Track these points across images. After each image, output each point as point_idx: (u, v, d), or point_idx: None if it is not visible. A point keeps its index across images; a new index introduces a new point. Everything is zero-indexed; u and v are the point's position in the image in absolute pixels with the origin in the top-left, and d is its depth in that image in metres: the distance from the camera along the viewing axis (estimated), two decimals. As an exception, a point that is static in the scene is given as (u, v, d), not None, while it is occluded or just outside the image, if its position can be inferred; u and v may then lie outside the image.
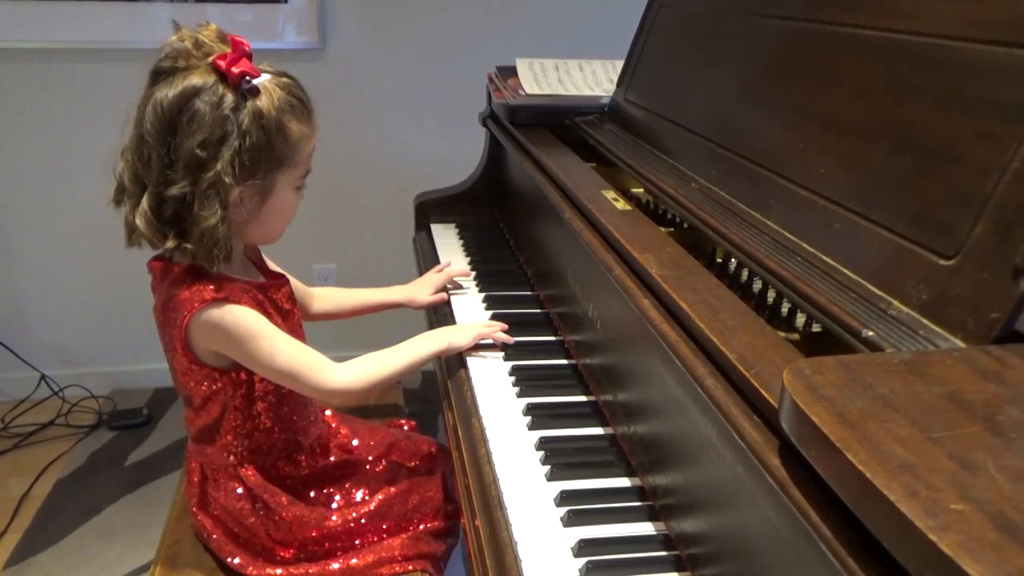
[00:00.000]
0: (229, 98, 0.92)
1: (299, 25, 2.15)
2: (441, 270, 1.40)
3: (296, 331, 1.09)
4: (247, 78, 0.93)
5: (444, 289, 1.37)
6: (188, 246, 0.94)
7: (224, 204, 0.93)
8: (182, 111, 0.91)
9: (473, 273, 1.45)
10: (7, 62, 2.07)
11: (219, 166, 0.91)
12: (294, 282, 1.26)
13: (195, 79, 0.92)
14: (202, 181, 0.92)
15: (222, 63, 0.92)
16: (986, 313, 0.59)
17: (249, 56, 0.95)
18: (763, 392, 0.60)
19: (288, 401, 1.09)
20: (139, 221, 0.94)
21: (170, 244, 0.95)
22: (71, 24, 2.05)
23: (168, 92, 0.92)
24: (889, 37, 0.80)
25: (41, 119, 2.13)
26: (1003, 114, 0.64)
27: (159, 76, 0.94)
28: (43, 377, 2.33)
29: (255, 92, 0.94)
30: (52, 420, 2.27)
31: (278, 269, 1.18)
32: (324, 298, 1.33)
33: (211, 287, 0.98)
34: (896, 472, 0.43)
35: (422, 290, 1.37)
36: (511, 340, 1.16)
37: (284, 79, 0.99)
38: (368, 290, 1.38)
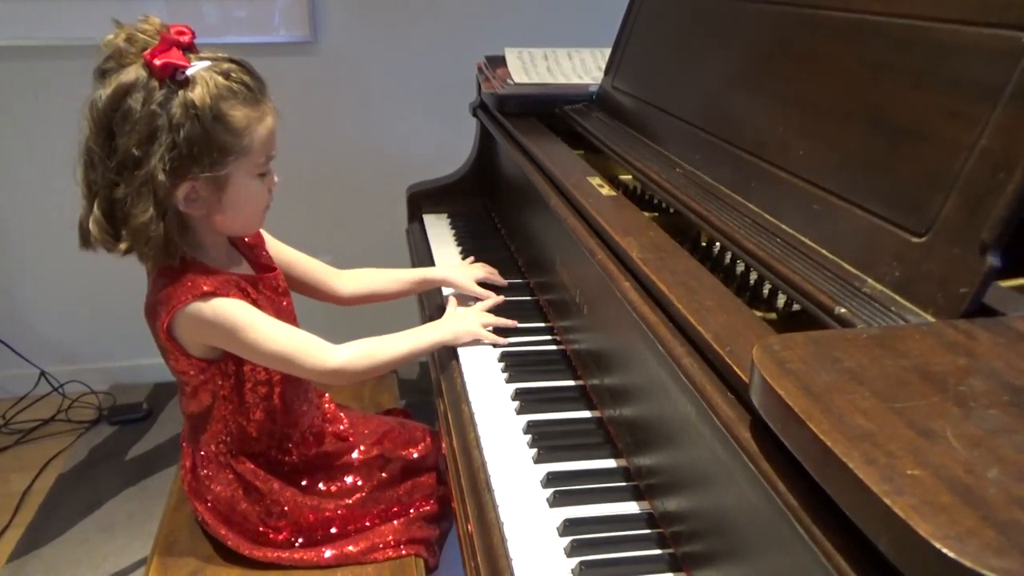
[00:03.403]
0: (159, 92, 0.90)
1: (290, 18, 2.16)
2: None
3: (289, 321, 1.10)
4: (179, 70, 0.91)
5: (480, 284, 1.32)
6: (136, 248, 0.94)
7: (158, 202, 0.92)
8: (115, 111, 0.90)
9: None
10: (4, 60, 2.07)
11: (152, 162, 0.90)
12: (315, 264, 1.25)
13: (126, 76, 0.91)
14: (135, 179, 0.91)
15: (148, 57, 0.90)
16: (955, 288, 0.60)
17: (183, 46, 0.92)
18: (736, 369, 0.61)
19: (279, 392, 1.10)
20: (93, 227, 0.95)
21: (123, 246, 0.95)
22: (62, 21, 2.05)
23: (102, 93, 0.91)
24: (864, 19, 0.80)
25: (38, 116, 2.13)
26: (971, 93, 0.64)
27: (101, 77, 0.93)
28: (43, 373, 2.35)
29: (188, 83, 0.91)
30: (53, 416, 2.29)
31: (292, 255, 1.19)
32: (355, 280, 1.29)
33: (197, 282, 0.97)
34: (856, 441, 0.45)
35: (465, 273, 1.32)
36: (505, 342, 1.17)
37: (225, 65, 0.95)
38: (402, 269, 1.34)
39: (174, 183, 0.92)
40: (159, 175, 0.90)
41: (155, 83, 0.90)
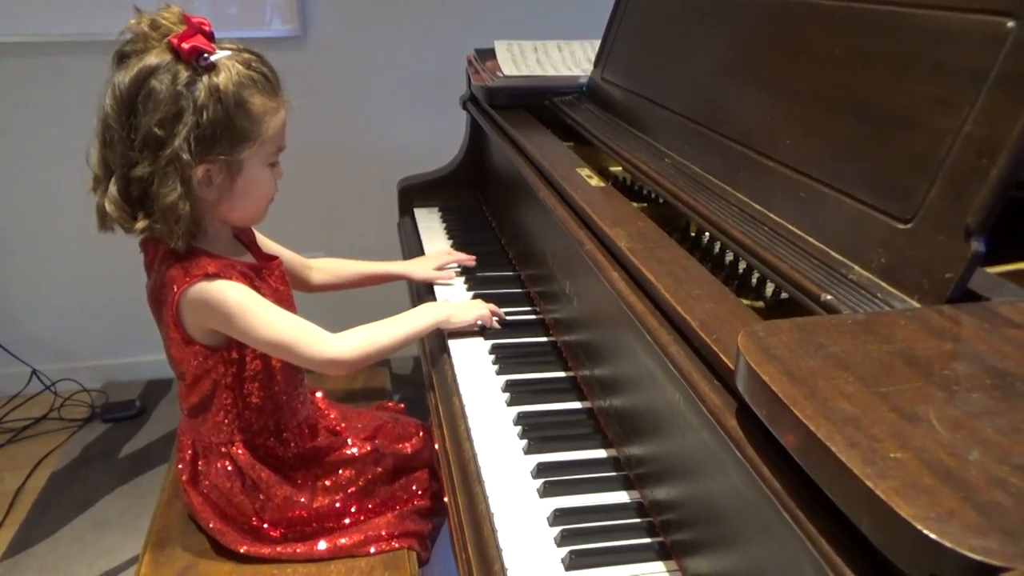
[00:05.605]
0: (184, 75, 0.92)
1: (280, 13, 2.15)
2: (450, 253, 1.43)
3: (289, 311, 1.10)
4: (203, 55, 0.93)
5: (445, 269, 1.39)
6: (157, 226, 0.96)
7: (184, 180, 0.94)
8: (139, 91, 0.92)
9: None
10: (-4, 57, 2.07)
11: (176, 142, 0.92)
12: (290, 255, 1.28)
13: (151, 59, 0.93)
14: (161, 159, 0.93)
15: (176, 41, 0.93)
16: (940, 274, 0.61)
17: (207, 35, 0.95)
18: (722, 356, 0.62)
19: (279, 379, 1.10)
20: (108, 206, 0.96)
21: (140, 225, 0.96)
22: (60, 17, 2.04)
23: (125, 75, 0.93)
24: (850, 7, 0.80)
25: (30, 114, 2.12)
26: (956, 79, 0.65)
27: (121, 60, 0.95)
28: (34, 372, 2.34)
29: (212, 68, 0.94)
30: (45, 414, 2.28)
31: (275, 248, 1.19)
32: (324, 270, 1.35)
33: (202, 264, 0.99)
34: (839, 425, 0.45)
35: (423, 265, 1.39)
36: (502, 321, 1.18)
37: (246, 55, 0.99)
38: (368, 262, 1.40)
39: (195, 163, 0.94)
40: (184, 154, 0.92)
41: (180, 66, 0.93)
